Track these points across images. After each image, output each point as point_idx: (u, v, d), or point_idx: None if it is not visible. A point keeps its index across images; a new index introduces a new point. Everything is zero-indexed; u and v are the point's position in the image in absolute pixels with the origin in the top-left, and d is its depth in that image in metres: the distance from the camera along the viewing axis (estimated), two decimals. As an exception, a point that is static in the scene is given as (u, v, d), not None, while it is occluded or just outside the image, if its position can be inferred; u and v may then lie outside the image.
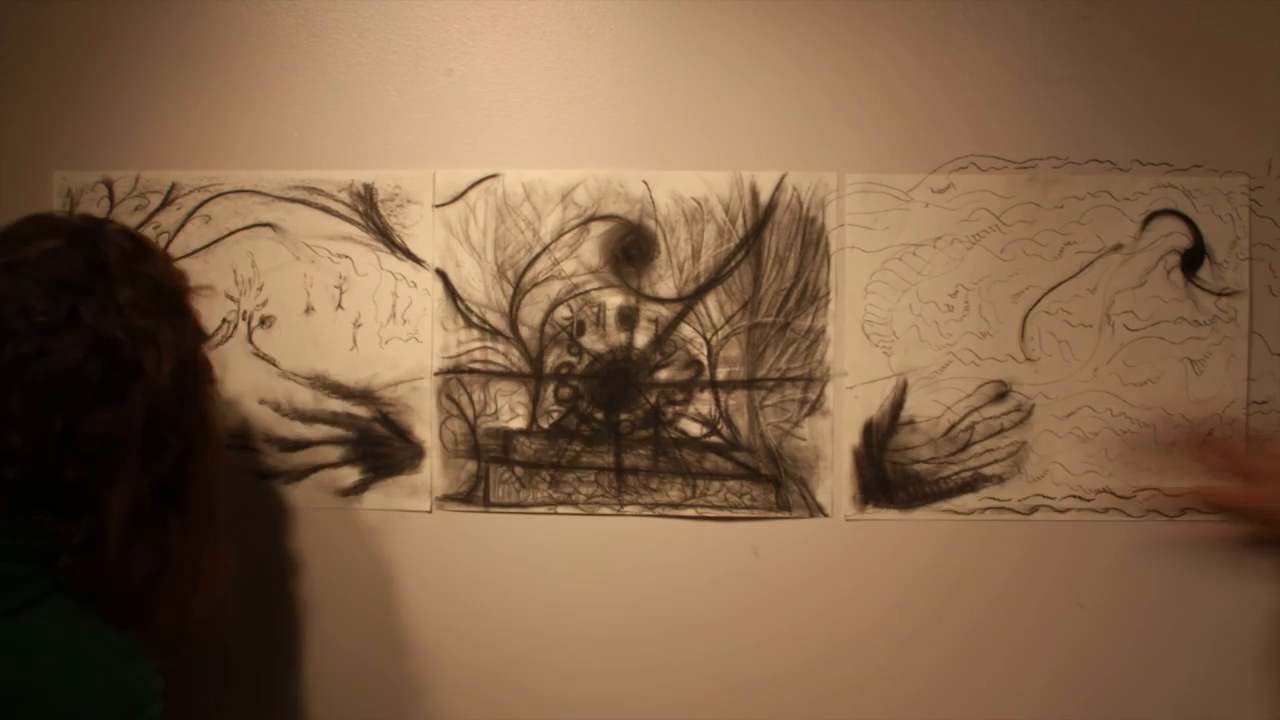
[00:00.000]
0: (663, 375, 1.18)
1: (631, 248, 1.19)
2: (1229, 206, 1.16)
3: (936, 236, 1.17)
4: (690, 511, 1.18)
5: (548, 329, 1.19)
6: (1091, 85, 1.16)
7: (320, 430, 1.20)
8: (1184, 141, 1.16)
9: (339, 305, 1.20)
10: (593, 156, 1.18)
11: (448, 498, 1.19)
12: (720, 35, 1.17)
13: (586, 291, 1.19)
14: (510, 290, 1.19)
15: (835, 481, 1.18)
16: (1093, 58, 1.16)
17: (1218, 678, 1.15)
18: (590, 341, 1.19)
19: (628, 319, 1.19)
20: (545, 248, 1.19)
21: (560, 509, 1.19)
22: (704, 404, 1.18)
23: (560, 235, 1.19)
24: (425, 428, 1.19)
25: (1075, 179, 1.16)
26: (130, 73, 1.20)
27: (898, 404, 1.17)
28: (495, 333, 1.19)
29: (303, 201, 1.20)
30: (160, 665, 0.82)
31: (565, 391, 1.19)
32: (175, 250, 1.20)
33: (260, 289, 1.21)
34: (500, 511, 1.19)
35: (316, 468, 1.20)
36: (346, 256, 1.20)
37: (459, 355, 1.19)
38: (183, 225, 1.21)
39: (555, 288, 1.19)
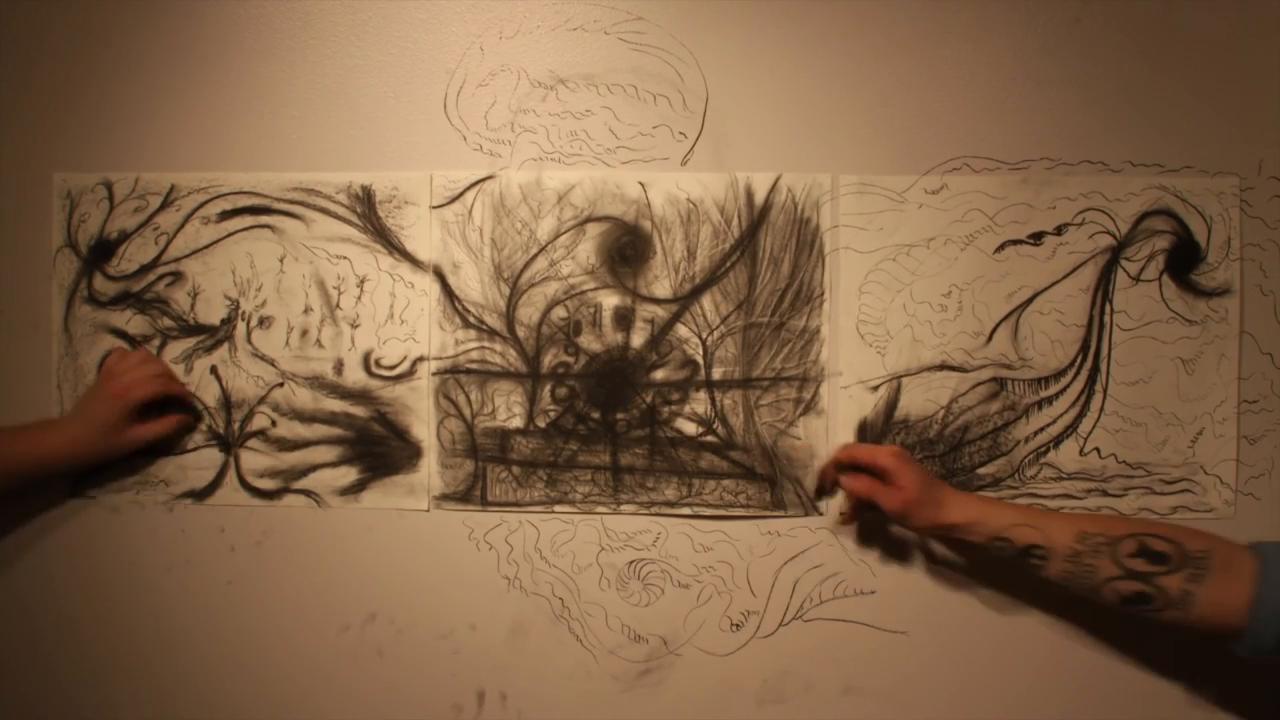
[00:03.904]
0: (659, 375, 1.19)
1: (627, 248, 1.19)
2: (1220, 207, 1.17)
3: (930, 237, 1.18)
4: (686, 510, 1.19)
5: (544, 329, 1.20)
6: (1083, 87, 1.17)
7: (318, 430, 1.21)
8: (1175, 143, 1.17)
9: (337, 305, 1.21)
10: (589, 157, 1.19)
11: (445, 497, 1.20)
12: (714, 37, 1.18)
13: (583, 292, 1.20)
14: (507, 291, 1.20)
15: (830, 480, 1.18)
16: (1085, 60, 1.17)
17: (1215, 675, 1.16)
18: (587, 341, 1.20)
19: (624, 319, 1.20)
20: (542, 248, 1.20)
21: (557, 508, 1.20)
22: (699, 403, 1.19)
23: (557, 236, 1.19)
24: (423, 427, 1.20)
25: (1068, 180, 1.17)
26: (130, 75, 1.21)
27: (891, 404, 1.18)
28: (492, 333, 1.20)
29: (301, 203, 1.21)
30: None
31: (562, 391, 1.20)
32: (174, 251, 1.21)
33: (259, 289, 1.21)
34: (498, 510, 1.20)
35: (314, 467, 1.21)
36: (345, 257, 1.21)
37: (456, 355, 1.20)
38: (182, 227, 1.21)
39: (552, 288, 1.20)
